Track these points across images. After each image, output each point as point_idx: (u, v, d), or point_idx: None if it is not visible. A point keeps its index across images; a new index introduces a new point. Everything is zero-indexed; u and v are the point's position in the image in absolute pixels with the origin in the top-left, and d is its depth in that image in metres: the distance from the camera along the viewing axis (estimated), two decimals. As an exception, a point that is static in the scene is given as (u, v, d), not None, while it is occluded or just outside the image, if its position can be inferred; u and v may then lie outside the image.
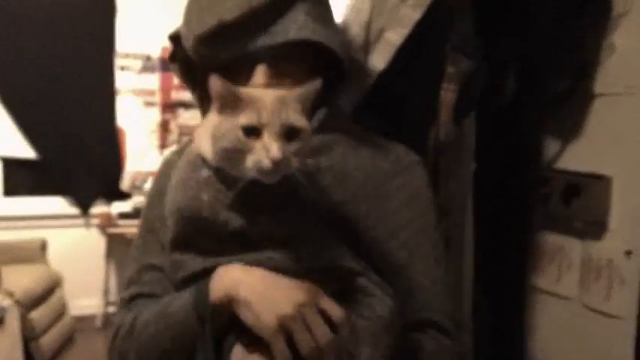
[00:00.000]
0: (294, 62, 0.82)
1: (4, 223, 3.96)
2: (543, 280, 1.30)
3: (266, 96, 0.70)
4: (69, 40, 4.02)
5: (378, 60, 1.00)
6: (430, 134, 1.02)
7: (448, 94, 1.00)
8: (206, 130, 0.73)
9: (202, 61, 0.85)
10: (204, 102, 0.93)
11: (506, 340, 1.32)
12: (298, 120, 0.69)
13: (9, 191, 4.12)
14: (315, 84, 0.73)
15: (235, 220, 0.71)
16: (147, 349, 0.80)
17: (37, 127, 4.03)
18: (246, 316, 0.70)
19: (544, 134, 1.27)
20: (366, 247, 0.81)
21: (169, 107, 4.50)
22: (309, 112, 0.74)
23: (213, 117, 0.71)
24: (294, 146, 0.68)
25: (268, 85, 0.79)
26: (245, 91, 0.71)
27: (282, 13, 0.80)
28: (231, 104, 0.69)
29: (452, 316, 0.86)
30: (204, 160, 0.74)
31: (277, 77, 0.80)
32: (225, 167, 0.71)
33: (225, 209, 0.72)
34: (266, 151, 0.66)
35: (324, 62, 0.85)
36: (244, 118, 0.67)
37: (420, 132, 1.02)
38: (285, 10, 0.80)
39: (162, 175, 0.91)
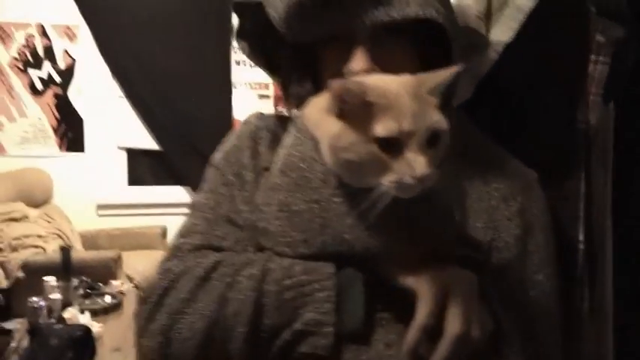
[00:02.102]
0: (398, 43, 0.68)
1: (128, 211, 4.18)
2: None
3: (400, 93, 0.56)
4: (189, 37, 4.20)
5: (504, 30, 0.86)
6: (579, 117, 0.84)
7: (598, 67, 0.83)
8: (321, 133, 0.62)
9: (292, 39, 0.72)
10: (286, 87, 0.84)
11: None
12: (441, 122, 0.57)
13: (134, 180, 4.39)
14: (454, 70, 0.59)
15: (366, 241, 0.61)
16: (235, 299, 0.64)
17: (159, 120, 4.25)
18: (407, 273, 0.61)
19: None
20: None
21: (282, 100, 4.55)
22: None
23: (331, 121, 0.59)
24: (437, 154, 0.56)
25: (369, 71, 0.66)
26: (373, 88, 0.57)
27: None
28: (358, 110, 0.56)
29: None
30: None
31: (380, 62, 0.67)
32: (351, 181, 0.60)
33: (359, 229, 0.61)
34: (409, 168, 0.54)
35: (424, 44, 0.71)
36: (381, 129, 0.55)
37: (566, 114, 0.85)
38: None
39: (243, 136, 0.81)
